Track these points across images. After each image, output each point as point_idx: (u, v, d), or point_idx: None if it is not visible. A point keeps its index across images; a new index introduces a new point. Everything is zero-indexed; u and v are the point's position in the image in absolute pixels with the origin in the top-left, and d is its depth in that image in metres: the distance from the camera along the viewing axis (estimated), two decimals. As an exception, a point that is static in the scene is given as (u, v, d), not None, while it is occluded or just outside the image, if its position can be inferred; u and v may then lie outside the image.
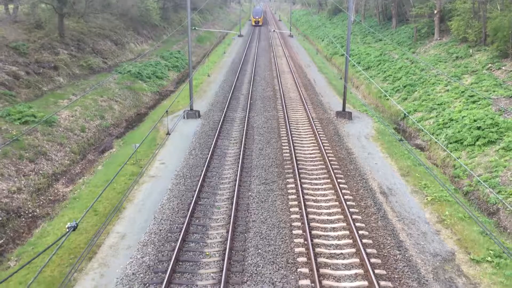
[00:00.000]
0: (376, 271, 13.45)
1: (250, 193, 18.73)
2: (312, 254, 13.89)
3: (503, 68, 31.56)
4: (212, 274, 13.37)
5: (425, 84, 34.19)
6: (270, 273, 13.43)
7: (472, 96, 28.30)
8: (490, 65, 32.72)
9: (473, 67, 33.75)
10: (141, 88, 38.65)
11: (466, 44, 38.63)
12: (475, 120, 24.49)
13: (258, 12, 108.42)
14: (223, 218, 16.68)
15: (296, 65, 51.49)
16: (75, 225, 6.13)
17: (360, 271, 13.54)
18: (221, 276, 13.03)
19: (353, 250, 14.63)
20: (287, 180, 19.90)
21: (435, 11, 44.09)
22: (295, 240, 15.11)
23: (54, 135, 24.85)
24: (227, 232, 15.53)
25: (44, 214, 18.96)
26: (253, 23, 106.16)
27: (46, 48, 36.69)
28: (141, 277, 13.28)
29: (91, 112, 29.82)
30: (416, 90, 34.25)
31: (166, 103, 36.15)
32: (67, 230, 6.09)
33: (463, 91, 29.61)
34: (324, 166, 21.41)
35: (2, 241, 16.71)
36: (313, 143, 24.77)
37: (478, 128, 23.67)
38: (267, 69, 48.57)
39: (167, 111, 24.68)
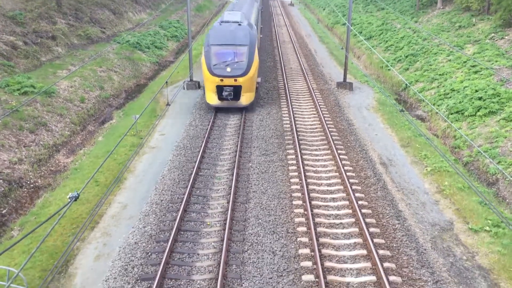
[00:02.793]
0: (375, 240, 13.61)
1: (250, 164, 18.79)
2: (312, 224, 14.03)
3: (506, 37, 31.16)
4: (213, 243, 13.55)
5: (427, 54, 33.84)
6: (270, 243, 13.60)
7: (474, 66, 28.04)
8: (493, 34, 32.31)
9: (476, 37, 33.34)
10: (140, 59, 38.29)
11: (469, 13, 38.04)
12: (476, 91, 24.34)
13: (229, 49, 24.04)
14: (223, 188, 16.78)
15: (297, 34, 50.86)
16: (77, 195, 6.18)
17: (359, 240, 13.71)
18: (222, 245, 13.19)
19: (353, 219, 14.78)
20: (288, 151, 19.93)
21: (439, -21, 43.24)
22: (295, 210, 15.24)
23: (54, 106, 24.76)
24: (228, 202, 15.65)
25: (45, 184, 19.08)
26: (213, 101, 24.44)
27: (44, 18, 36.16)
28: (143, 246, 13.45)
29: (90, 82, 29.62)
30: (418, 60, 33.92)
31: (166, 73, 35.89)
32: (69, 200, 6.15)
33: (465, 61, 29.33)
34: (324, 137, 21.41)
35: (5, 211, 16.87)
36: (314, 114, 24.70)
37: (480, 98, 23.54)
38: (267, 39, 47.98)
39: (166, 82, 24.47)
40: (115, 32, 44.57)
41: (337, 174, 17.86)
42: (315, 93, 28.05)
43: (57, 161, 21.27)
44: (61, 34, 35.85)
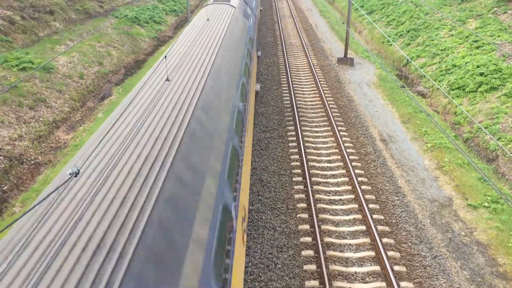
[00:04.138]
0: (374, 216, 13.72)
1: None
2: (311, 200, 14.12)
3: (509, 12, 30.74)
4: (213, 219, 13.61)
5: (429, 29, 33.46)
6: (270, 219, 13.70)
7: (476, 41, 27.76)
8: (496, 9, 31.87)
9: (479, 11, 32.90)
10: (139, 33, 37.87)
11: (472, -13, 37.45)
12: (478, 66, 24.16)
13: None
14: (224, 165, 16.79)
15: (297, 9, 50.22)
16: (77, 171, 6.18)
17: (359, 216, 13.81)
18: (223, 221, 13.26)
19: (352, 196, 14.86)
20: (288, 127, 19.90)
21: (442, -48, 42.40)
22: (295, 187, 15.31)
23: (53, 82, 24.62)
24: (228, 178, 15.65)
25: (46, 161, 19.12)
26: None
27: (40, -8, 35.60)
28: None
29: (89, 58, 29.38)
30: (419, 35, 33.56)
31: (165, 49, 35.55)
32: (69, 176, 6.15)
33: (467, 36, 29.03)
34: (324, 114, 21.35)
35: (6, 187, 16.94)
36: (314, 90, 24.58)
37: (481, 74, 23.38)
38: (267, 13, 47.40)
39: (165, 57, 24.29)
40: (113, 6, 43.96)
41: (337, 150, 17.87)
42: (316, 69, 27.85)
43: (57, 138, 21.26)
44: (58, 9, 35.37)
